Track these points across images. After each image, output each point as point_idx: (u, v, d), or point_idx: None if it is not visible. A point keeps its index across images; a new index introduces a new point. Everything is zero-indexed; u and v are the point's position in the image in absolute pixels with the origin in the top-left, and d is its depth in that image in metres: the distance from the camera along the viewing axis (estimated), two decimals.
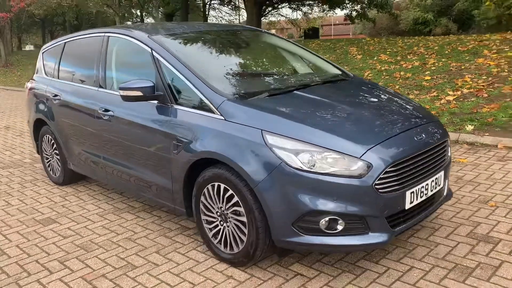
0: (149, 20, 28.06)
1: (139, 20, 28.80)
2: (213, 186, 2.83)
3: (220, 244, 2.91)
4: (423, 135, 2.77)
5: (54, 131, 4.46)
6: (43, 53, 4.89)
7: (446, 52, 9.69)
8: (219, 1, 29.60)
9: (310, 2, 23.43)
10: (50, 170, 4.85)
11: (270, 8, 24.61)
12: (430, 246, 2.98)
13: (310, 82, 3.39)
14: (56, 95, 4.34)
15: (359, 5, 22.15)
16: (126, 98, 3.13)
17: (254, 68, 3.78)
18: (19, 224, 3.80)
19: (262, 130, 2.58)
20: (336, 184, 2.42)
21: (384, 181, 2.47)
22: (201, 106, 2.91)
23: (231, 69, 3.43)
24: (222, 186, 2.76)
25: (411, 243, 3.03)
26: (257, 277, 2.73)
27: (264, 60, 3.91)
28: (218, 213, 2.86)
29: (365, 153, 2.46)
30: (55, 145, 4.61)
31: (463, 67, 8.35)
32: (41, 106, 4.65)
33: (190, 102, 2.99)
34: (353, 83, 3.57)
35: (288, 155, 2.47)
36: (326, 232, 2.48)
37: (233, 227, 2.78)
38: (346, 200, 2.43)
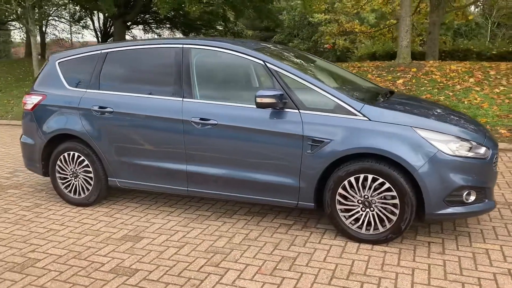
0: None
1: None
2: (356, 177, 3.32)
3: (360, 228, 3.39)
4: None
5: (93, 146, 4.15)
6: (59, 63, 4.45)
7: None
8: (64, 19, 27.93)
9: (170, 26, 23.94)
10: (69, 191, 4.41)
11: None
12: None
13: (383, 93, 4.12)
14: (103, 107, 4.08)
15: (216, 32, 23.67)
16: (260, 105, 3.40)
17: (342, 79, 4.33)
18: (103, 245, 3.51)
19: (411, 126, 3.23)
20: (473, 164, 3.23)
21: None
22: (336, 110, 3.39)
23: (329, 79, 3.96)
24: (370, 176, 3.28)
25: None
26: (406, 249, 3.31)
27: (337, 73, 4.49)
28: (360, 201, 3.35)
29: (485, 140, 3.34)
30: (85, 162, 4.27)
31: None
32: (68, 121, 4.25)
33: (322, 107, 3.43)
34: (405, 94, 4.46)
35: (441, 144, 3.17)
36: (465, 203, 3.24)
37: (379, 210, 3.31)
38: (479, 175, 3.24)
